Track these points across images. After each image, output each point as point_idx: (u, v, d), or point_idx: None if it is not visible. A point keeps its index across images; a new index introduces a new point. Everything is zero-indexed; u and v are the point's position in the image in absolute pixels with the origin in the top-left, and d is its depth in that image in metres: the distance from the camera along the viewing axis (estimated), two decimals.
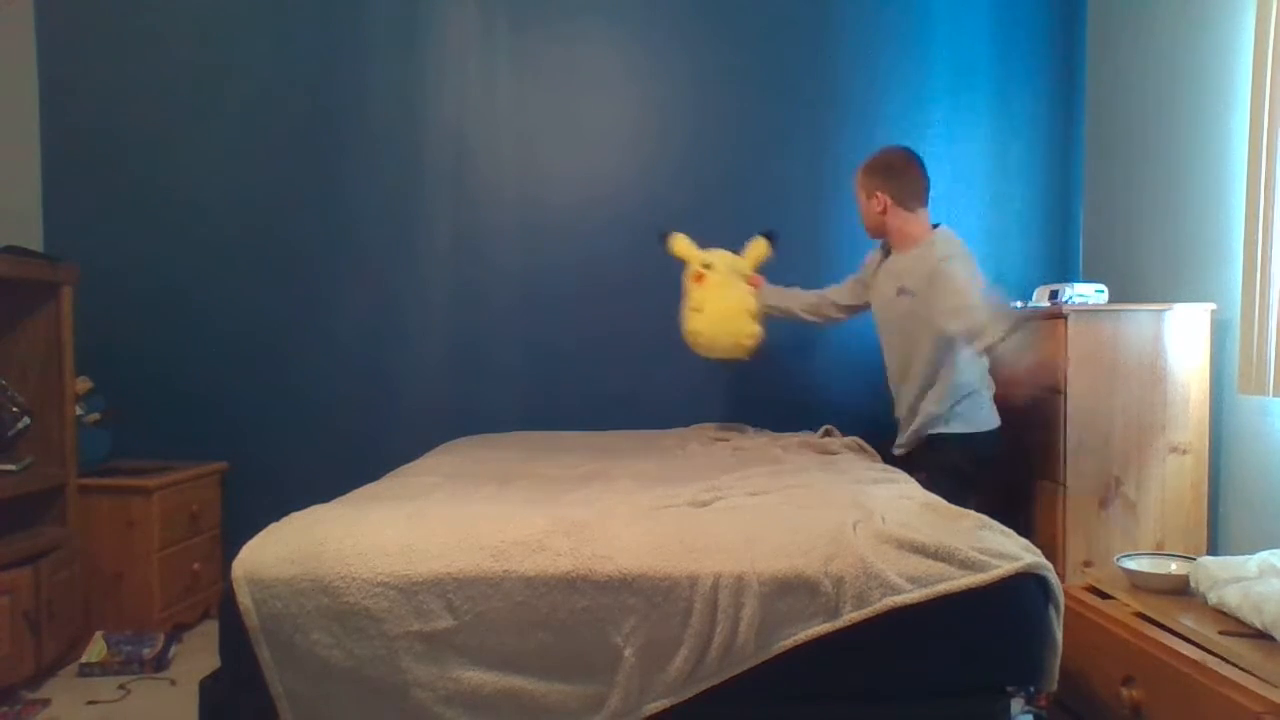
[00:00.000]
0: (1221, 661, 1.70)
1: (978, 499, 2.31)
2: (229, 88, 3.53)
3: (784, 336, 3.51)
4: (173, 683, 2.69)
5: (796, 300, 3.03)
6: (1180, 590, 2.06)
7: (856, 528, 1.73)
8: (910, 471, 2.44)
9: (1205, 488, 2.67)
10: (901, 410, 2.72)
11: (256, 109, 3.54)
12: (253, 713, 1.64)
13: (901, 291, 2.64)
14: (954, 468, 2.53)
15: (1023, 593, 1.64)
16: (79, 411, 3.05)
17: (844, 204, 3.52)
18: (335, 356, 3.54)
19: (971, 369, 2.58)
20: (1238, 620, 1.82)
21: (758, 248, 3.07)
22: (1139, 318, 2.67)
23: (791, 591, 1.60)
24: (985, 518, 1.83)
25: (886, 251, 2.79)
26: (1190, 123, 2.88)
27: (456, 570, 1.63)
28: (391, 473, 2.57)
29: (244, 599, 1.64)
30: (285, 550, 1.69)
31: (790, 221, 3.52)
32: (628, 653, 1.60)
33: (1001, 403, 2.64)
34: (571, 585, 1.61)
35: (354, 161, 3.54)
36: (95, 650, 2.76)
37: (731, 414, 3.45)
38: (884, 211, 2.69)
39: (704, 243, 3.54)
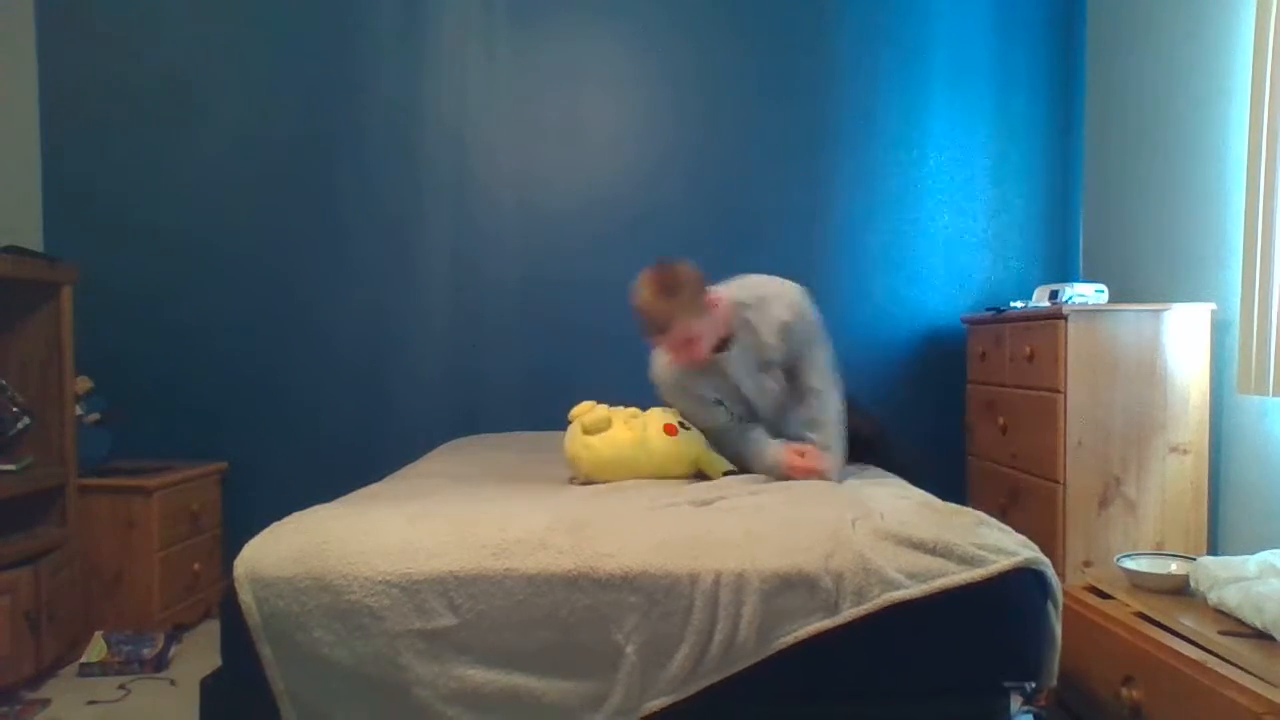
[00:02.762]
0: (1221, 661, 1.70)
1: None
2: (228, 89, 3.54)
3: None
4: (173, 683, 2.68)
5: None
6: (1180, 590, 2.07)
7: (855, 524, 1.73)
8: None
9: (1205, 488, 2.68)
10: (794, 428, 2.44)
11: (255, 110, 3.54)
12: (254, 712, 1.64)
13: (765, 366, 2.37)
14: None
15: (1021, 588, 1.64)
16: (79, 411, 3.05)
17: (844, 205, 3.55)
18: (335, 356, 3.54)
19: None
20: (1238, 620, 1.82)
21: None
22: (1139, 318, 2.67)
23: (792, 588, 1.60)
24: (983, 514, 1.83)
25: (720, 348, 2.33)
26: (1190, 123, 2.88)
27: (458, 568, 1.63)
28: (393, 474, 2.57)
29: (246, 597, 1.64)
30: (288, 549, 1.69)
31: (790, 223, 3.53)
32: (629, 650, 1.60)
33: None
34: (573, 583, 1.61)
35: (353, 161, 3.54)
36: (95, 650, 2.76)
37: None
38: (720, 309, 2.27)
39: (706, 250, 3.54)
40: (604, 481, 2.26)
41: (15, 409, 2.80)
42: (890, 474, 2.40)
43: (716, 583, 1.60)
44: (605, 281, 3.54)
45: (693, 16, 3.54)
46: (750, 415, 2.42)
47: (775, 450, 2.30)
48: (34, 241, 3.42)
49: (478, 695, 1.61)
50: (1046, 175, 3.57)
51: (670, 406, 2.42)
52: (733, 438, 2.39)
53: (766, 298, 2.34)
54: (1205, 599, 1.95)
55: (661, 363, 2.41)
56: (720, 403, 2.39)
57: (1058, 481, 2.68)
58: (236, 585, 1.65)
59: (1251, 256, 2.40)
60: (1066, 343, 2.65)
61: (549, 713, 1.61)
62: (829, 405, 2.35)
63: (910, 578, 1.60)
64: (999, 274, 3.57)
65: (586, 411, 2.33)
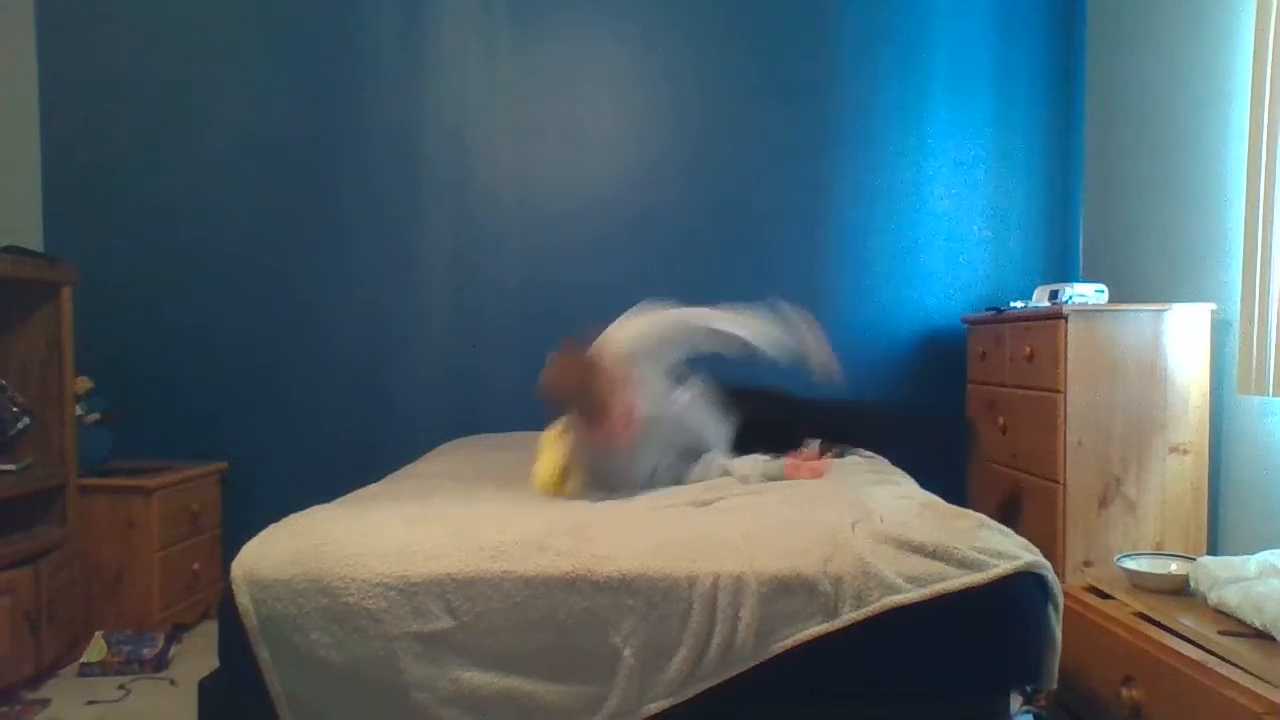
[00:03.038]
0: (1221, 661, 1.70)
1: None
2: (228, 90, 3.54)
3: None
4: (173, 683, 2.69)
5: None
6: (1180, 590, 2.06)
7: (855, 527, 1.73)
8: None
9: (1205, 488, 2.68)
10: None
11: (255, 110, 3.54)
12: (252, 713, 1.64)
13: (681, 379, 2.45)
14: None
15: (1022, 592, 1.64)
16: (79, 411, 3.05)
17: (844, 205, 3.54)
18: (335, 357, 3.54)
19: None
20: (1238, 620, 1.82)
21: None
22: (1139, 318, 2.67)
23: (790, 591, 1.60)
24: (984, 517, 1.83)
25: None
26: (1190, 123, 2.88)
27: (456, 571, 1.63)
28: (392, 474, 2.57)
29: (243, 599, 1.64)
30: (285, 551, 1.69)
31: (790, 223, 3.53)
32: (627, 653, 1.60)
33: None
34: (571, 586, 1.61)
35: (353, 161, 3.53)
36: (95, 650, 2.76)
37: None
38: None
39: (706, 250, 3.54)
40: None
41: (15, 409, 2.80)
42: (896, 469, 2.40)
43: (715, 585, 1.60)
44: (605, 281, 3.54)
45: (693, 16, 3.53)
46: (691, 442, 2.36)
47: (764, 469, 2.28)
48: (34, 241, 3.42)
49: (475, 698, 1.61)
50: (1046, 175, 3.56)
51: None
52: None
53: (636, 328, 2.33)
54: (1205, 599, 1.94)
55: (610, 455, 2.25)
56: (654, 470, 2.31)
57: (1058, 481, 2.68)
58: (234, 587, 1.65)
59: (1251, 256, 2.39)
60: (1066, 343, 2.65)
61: (547, 715, 1.61)
62: (763, 321, 2.34)
63: (910, 582, 1.60)
64: (999, 274, 3.56)
65: (555, 438, 2.28)
